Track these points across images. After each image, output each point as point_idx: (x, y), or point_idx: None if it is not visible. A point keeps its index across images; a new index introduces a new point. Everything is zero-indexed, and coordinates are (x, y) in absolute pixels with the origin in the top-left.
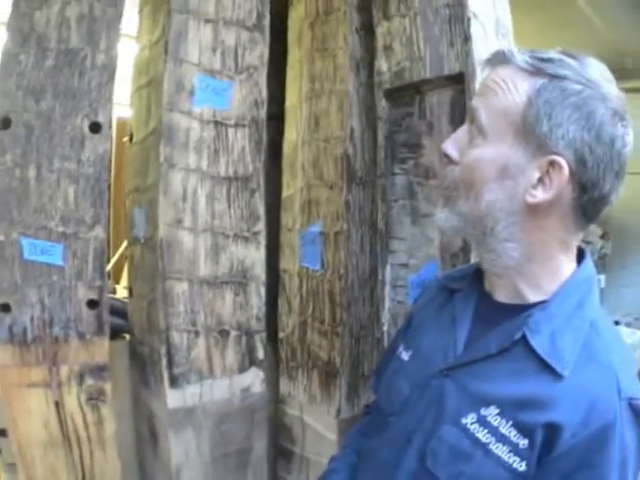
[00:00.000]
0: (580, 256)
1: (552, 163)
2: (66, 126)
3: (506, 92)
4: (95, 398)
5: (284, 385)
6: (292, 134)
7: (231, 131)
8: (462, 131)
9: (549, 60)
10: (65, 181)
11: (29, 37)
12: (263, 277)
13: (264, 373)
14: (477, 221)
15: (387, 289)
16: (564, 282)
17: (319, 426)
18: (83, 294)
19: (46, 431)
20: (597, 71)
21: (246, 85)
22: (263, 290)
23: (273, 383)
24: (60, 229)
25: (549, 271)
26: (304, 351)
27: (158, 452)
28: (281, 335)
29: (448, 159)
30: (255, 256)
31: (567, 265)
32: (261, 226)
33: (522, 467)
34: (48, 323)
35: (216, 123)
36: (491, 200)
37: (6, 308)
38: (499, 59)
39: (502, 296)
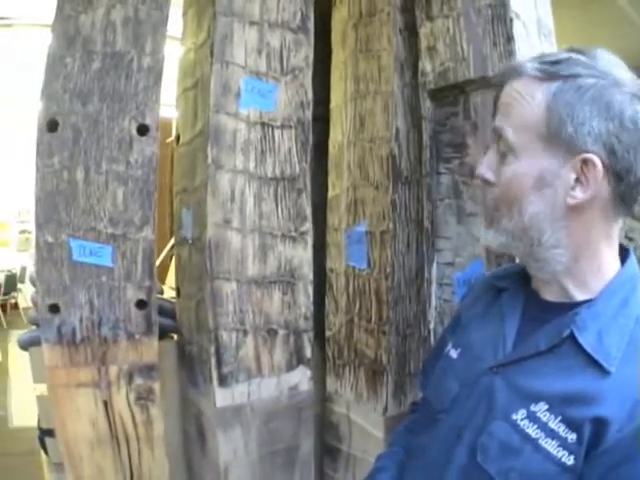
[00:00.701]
0: (624, 254)
1: (585, 161)
2: (113, 128)
3: (524, 104)
4: (144, 398)
5: (331, 383)
6: (337, 135)
7: (277, 132)
8: (492, 153)
9: (558, 62)
10: (113, 183)
11: (74, 40)
12: (310, 276)
13: (311, 371)
14: (523, 235)
15: (433, 287)
16: (609, 281)
17: (366, 424)
18: (132, 294)
19: (94, 430)
20: (606, 60)
21: (292, 87)
22: (310, 289)
23: (320, 381)
24: (109, 230)
25: (595, 268)
26: (351, 349)
27: (206, 451)
28: (328, 334)
29: (485, 182)
30: (302, 256)
31: (611, 260)
32: (308, 226)
33: (570, 461)
34: (97, 324)
35: (262, 124)
36: (534, 212)
37: (55, 309)
38: (511, 74)
39: (549, 295)
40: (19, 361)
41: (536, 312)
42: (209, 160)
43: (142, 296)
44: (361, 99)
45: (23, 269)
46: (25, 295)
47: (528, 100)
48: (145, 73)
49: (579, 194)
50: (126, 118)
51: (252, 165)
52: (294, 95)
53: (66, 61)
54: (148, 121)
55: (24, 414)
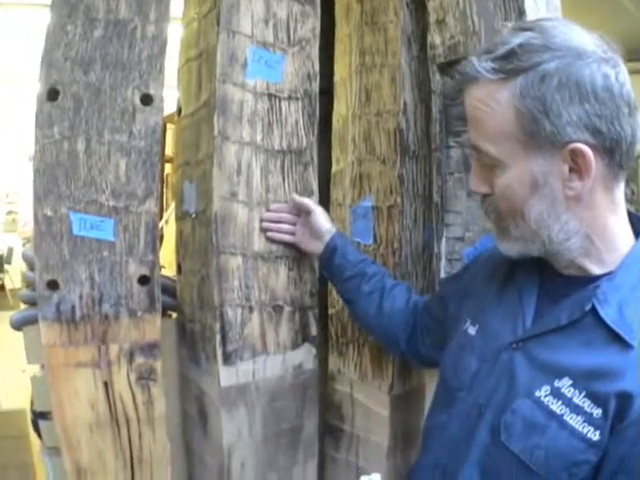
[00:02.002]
0: (638, 225)
1: (573, 151)
2: (116, 98)
3: (491, 113)
4: (145, 377)
5: (333, 362)
6: (342, 108)
7: (284, 104)
8: (477, 166)
9: (511, 54)
10: (116, 154)
11: (76, 7)
12: None
13: (316, 350)
14: (534, 237)
15: (442, 263)
16: (626, 254)
17: (370, 403)
18: (134, 270)
19: (93, 412)
20: (559, 31)
21: (299, 58)
22: (316, 265)
23: (322, 361)
24: (111, 203)
25: (608, 243)
26: (355, 327)
27: (208, 432)
28: (331, 311)
29: (483, 195)
30: None
31: (622, 230)
32: (315, 200)
33: (596, 436)
34: (97, 300)
35: (269, 96)
36: (537, 214)
37: (54, 285)
38: (467, 79)
39: (566, 270)
40: (7, 344)
41: (554, 286)
42: (215, 131)
43: (145, 271)
44: (367, 72)
45: (10, 250)
46: (12, 277)
47: (493, 107)
48: (149, 42)
49: (577, 184)
50: (129, 87)
51: (259, 137)
52: (301, 67)
53: (67, 29)
54: (152, 91)
55: (12, 397)
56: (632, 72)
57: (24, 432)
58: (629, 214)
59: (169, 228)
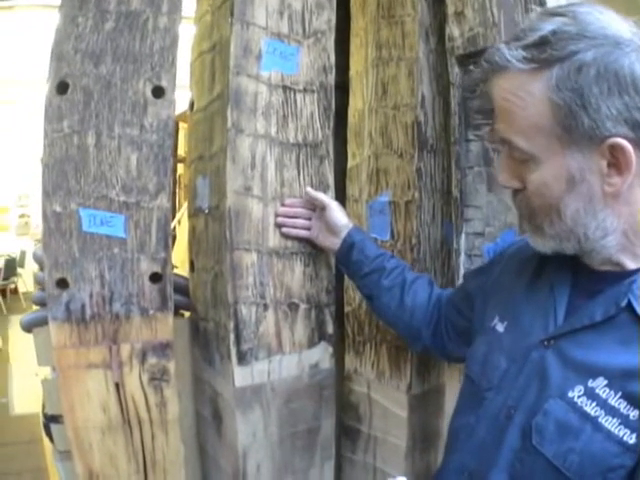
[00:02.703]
0: None
1: (612, 146)
2: (127, 90)
3: (523, 106)
4: (158, 378)
5: (350, 361)
6: (358, 102)
7: (299, 96)
8: (509, 158)
9: (544, 42)
10: (127, 148)
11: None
12: None
13: (333, 348)
14: (570, 235)
15: (462, 258)
16: None
17: (388, 403)
18: (146, 267)
19: (105, 415)
20: (594, 17)
21: (314, 50)
22: (332, 261)
23: (338, 360)
24: (121, 199)
25: None
26: (372, 325)
27: (223, 434)
28: (347, 309)
29: (513, 190)
30: None
31: None
32: (330, 194)
33: (632, 440)
34: (108, 299)
35: (284, 88)
36: (573, 211)
37: (63, 284)
38: (495, 68)
39: (600, 265)
40: (20, 347)
41: (587, 282)
42: (229, 124)
43: (156, 269)
44: (383, 66)
45: (23, 253)
46: (25, 280)
47: (526, 99)
48: (161, 34)
49: (616, 180)
50: (140, 80)
51: (274, 130)
52: (316, 59)
53: (78, 21)
54: (164, 83)
55: (25, 402)
56: None
57: (37, 437)
58: None
59: (182, 228)
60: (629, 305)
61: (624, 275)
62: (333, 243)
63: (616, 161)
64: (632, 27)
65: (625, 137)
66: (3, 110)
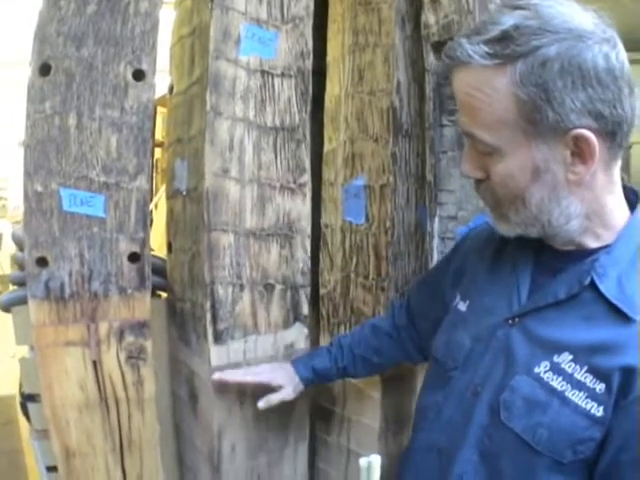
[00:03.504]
0: (636, 200)
1: (576, 137)
2: (108, 73)
3: (487, 101)
4: (135, 357)
5: (324, 342)
6: (334, 88)
7: (277, 81)
8: (472, 149)
9: (507, 37)
10: (107, 130)
11: None
12: (308, 230)
13: (308, 329)
14: (534, 221)
15: (435, 242)
16: (623, 227)
17: (362, 385)
18: (125, 247)
19: (82, 393)
20: (554, 11)
21: (292, 35)
22: (308, 244)
23: (313, 341)
24: (101, 179)
25: (604, 219)
26: (347, 307)
27: (198, 413)
28: (322, 292)
29: (476, 179)
30: (301, 209)
31: (619, 206)
32: (307, 178)
33: (599, 412)
34: (87, 278)
35: (262, 72)
36: (538, 200)
37: (43, 262)
38: (457, 63)
39: (563, 246)
40: None
41: (549, 261)
42: (208, 107)
43: (135, 248)
44: (360, 52)
45: None
46: (1, 263)
47: (490, 94)
48: (142, 18)
49: (580, 168)
50: (122, 63)
51: (252, 113)
52: (294, 44)
53: (60, 4)
54: (144, 66)
55: (1, 383)
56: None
57: (13, 418)
58: (624, 187)
59: (158, 212)
60: (592, 283)
61: (586, 254)
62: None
63: (580, 151)
64: (594, 18)
65: (589, 128)
66: None
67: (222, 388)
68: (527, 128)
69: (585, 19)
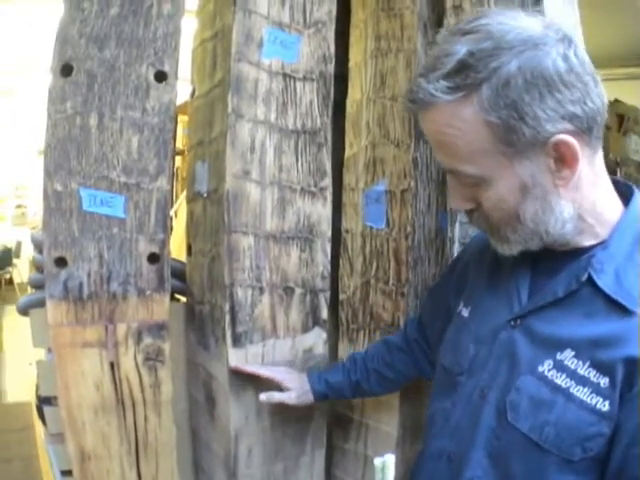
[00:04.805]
0: (629, 194)
1: (556, 144)
2: (130, 74)
3: (461, 135)
4: (153, 359)
5: (343, 349)
6: (356, 93)
7: (299, 85)
8: (457, 183)
9: (464, 67)
10: (128, 130)
11: None
12: (329, 234)
13: (327, 334)
14: (533, 235)
15: (456, 247)
16: (617, 222)
17: None
18: (144, 248)
19: (99, 395)
20: (505, 24)
21: (314, 40)
22: (329, 247)
23: (332, 347)
24: (122, 179)
25: (597, 216)
26: (366, 313)
27: (215, 418)
28: (342, 297)
29: (467, 210)
30: (321, 212)
31: (609, 201)
32: (328, 182)
33: (605, 407)
34: (106, 278)
35: (284, 75)
36: (532, 214)
37: (62, 262)
38: (421, 106)
39: (559, 247)
40: (14, 337)
41: (547, 263)
42: (229, 109)
43: (155, 249)
44: (382, 57)
45: (19, 244)
46: (20, 271)
47: (461, 128)
48: (165, 20)
49: (566, 173)
50: (144, 64)
51: (273, 116)
52: (317, 48)
53: (83, 6)
54: (166, 68)
55: (19, 390)
56: None
57: (29, 424)
58: (616, 182)
59: (178, 220)
60: (589, 279)
61: (583, 252)
62: (308, 399)
63: (562, 156)
64: (542, 21)
65: (566, 132)
66: (1, 101)
67: (240, 391)
68: (506, 150)
69: (534, 25)
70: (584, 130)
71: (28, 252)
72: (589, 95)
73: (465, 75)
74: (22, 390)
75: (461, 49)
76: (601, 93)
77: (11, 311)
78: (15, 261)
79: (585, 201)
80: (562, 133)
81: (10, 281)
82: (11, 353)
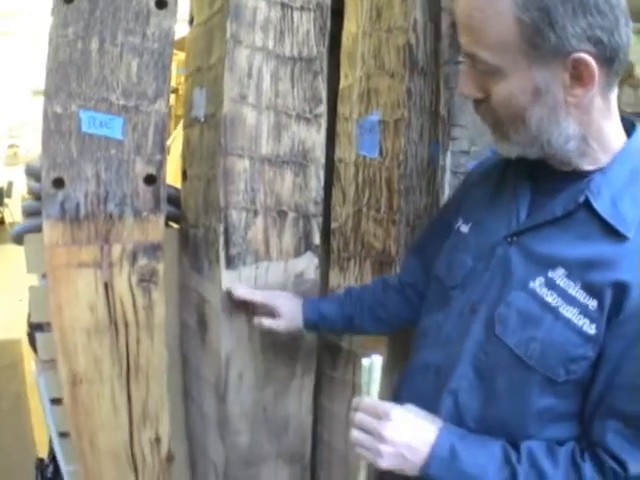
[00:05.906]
0: (632, 128)
1: (577, 61)
2: (131, 1)
3: (489, 23)
4: (147, 280)
5: (334, 277)
6: (352, 26)
7: (296, 14)
8: (471, 70)
9: None
10: (128, 55)
11: None
12: (322, 160)
13: (318, 260)
14: (534, 142)
15: (447, 175)
16: (618, 151)
17: None
18: (141, 169)
19: (92, 315)
20: None
21: None
22: (322, 174)
23: (322, 276)
24: (121, 102)
25: (601, 143)
26: (357, 241)
27: (207, 341)
28: (334, 225)
29: (475, 100)
30: (316, 138)
31: (616, 132)
32: (323, 109)
33: (592, 330)
34: (103, 199)
35: (282, 5)
36: (538, 120)
37: (59, 183)
38: None
39: (560, 166)
40: (5, 275)
41: (547, 182)
42: (228, 35)
43: (151, 170)
44: None
45: (10, 184)
46: (11, 210)
47: (492, 16)
48: None
49: (579, 92)
50: None
51: (271, 43)
52: None
53: None
54: None
55: (8, 327)
56: None
57: (18, 360)
58: (622, 118)
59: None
60: (587, 202)
61: (582, 175)
62: (298, 324)
63: (579, 74)
64: None
65: (588, 53)
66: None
67: (232, 313)
68: (529, 51)
69: None
70: (605, 59)
71: (19, 193)
72: (617, 29)
73: None
74: (10, 327)
75: None
76: (629, 33)
77: (3, 251)
78: (7, 201)
79: (592, 125)
80: (584, 52)
81: (2, 221)
82: (2, 291)
